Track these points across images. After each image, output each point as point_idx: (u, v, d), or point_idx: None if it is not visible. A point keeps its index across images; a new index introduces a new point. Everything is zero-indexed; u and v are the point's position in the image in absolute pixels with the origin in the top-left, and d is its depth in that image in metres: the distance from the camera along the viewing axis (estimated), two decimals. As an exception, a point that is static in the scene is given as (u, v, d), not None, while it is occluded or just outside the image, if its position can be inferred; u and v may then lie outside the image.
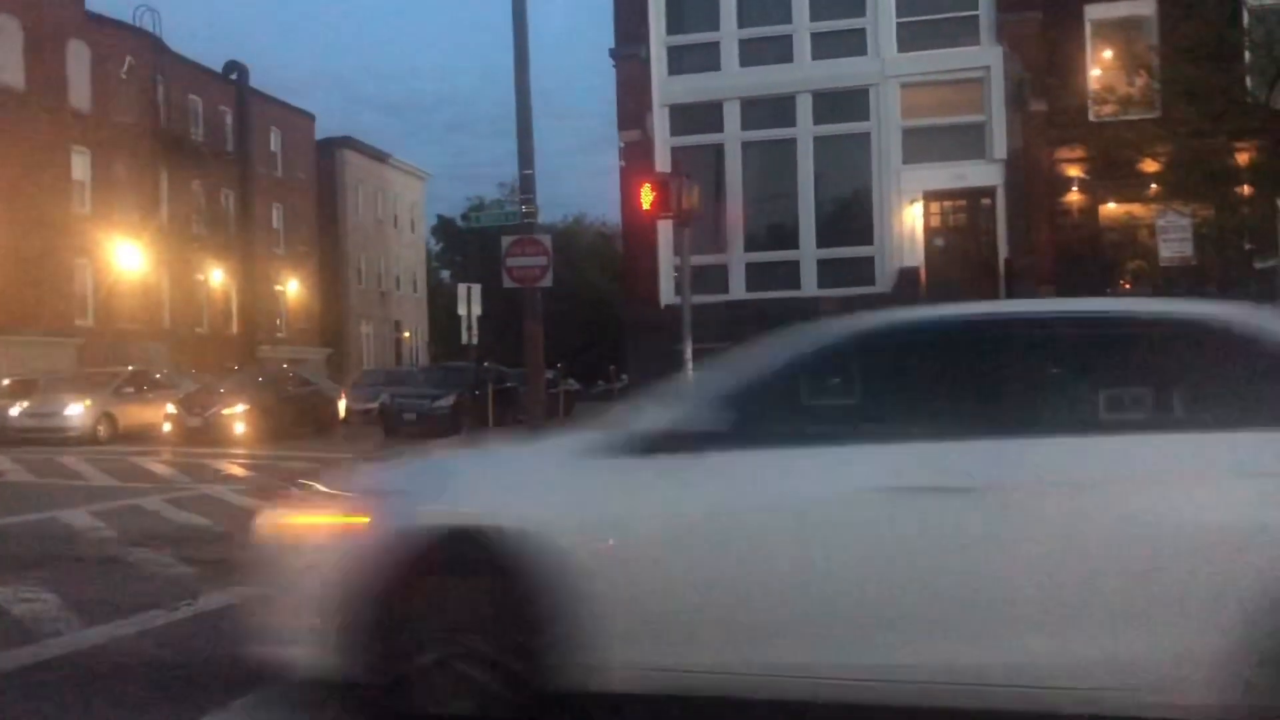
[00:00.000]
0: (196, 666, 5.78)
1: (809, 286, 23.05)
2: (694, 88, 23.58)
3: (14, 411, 24.82)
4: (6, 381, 27.98)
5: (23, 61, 34.00)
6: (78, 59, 36.56)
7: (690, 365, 13.95)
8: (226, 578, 8.13)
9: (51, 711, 4.99)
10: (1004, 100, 22.17)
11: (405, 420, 25.91)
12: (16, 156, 32.74)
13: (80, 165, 36.66)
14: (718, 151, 23.53)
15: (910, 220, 22.90)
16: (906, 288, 21.95)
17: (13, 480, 16.48)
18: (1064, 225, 22.83)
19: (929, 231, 23.25)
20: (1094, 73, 22.47)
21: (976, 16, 22.56)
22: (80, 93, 36.66)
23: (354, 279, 55.52)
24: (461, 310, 25.18)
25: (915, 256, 22.79)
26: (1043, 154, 22.52)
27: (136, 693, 5.29)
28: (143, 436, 25.26)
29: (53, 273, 34.49)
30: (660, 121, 23.64)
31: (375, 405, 28.30)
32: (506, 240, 14.82)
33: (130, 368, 29.33)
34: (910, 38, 22.79)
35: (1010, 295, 21.88)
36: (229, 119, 45.68)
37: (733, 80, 23.43)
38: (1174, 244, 19.61)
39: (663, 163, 22.69)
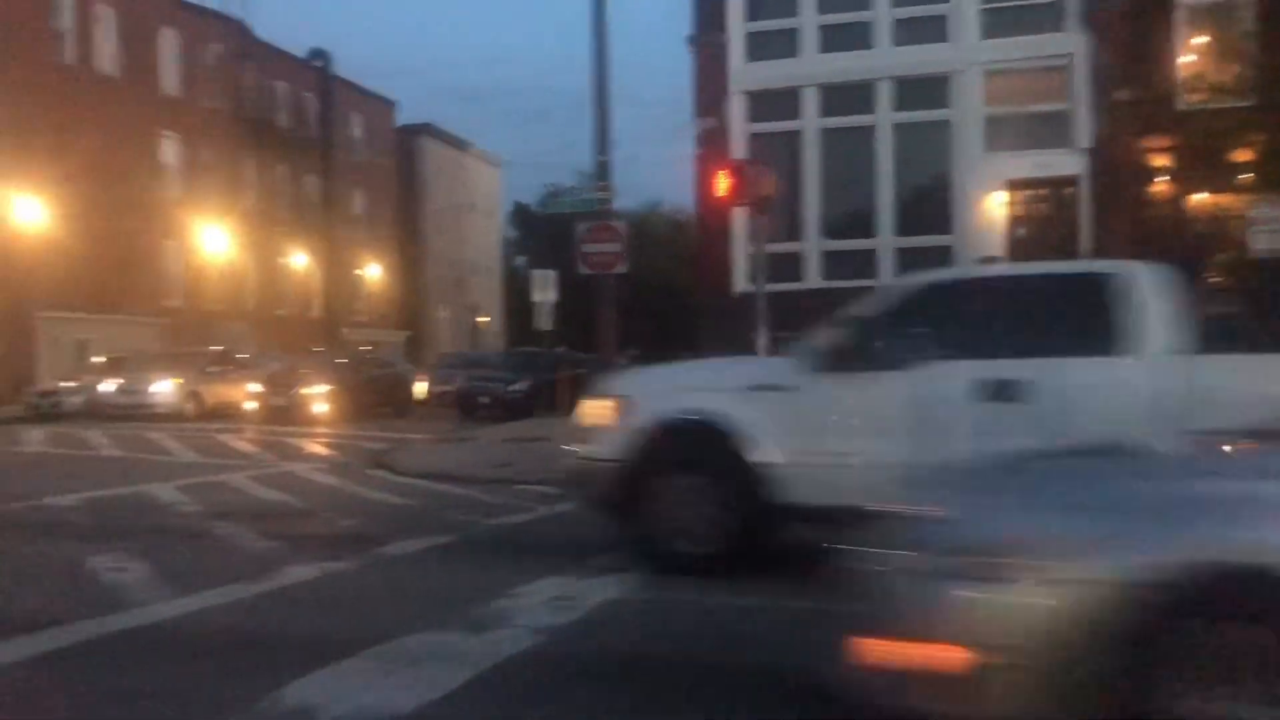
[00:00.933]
0: (278, 638, 5.96)
1: (886, 275, 22.81)
2: (772, 74, 23.43)
3: (106, 388, 25.61)
4: (99, 359, 28.89)
5: (118, 49, 34.98)
6: (168, 46, 37.52)
7: (763, 354, 13.90)
8: (308, 553, 8.37)
9: (139, 678, 5.18)
10: (1089, 88, 21.69)
11: (481, 403, 26.24)
12: (110, 141, 33.71)
13: (169, 150, 37.64)
14: (795, 138, 23.36)
15: (991, 209, 22.54)
16: (985, 278, 21.57)
17: (104, 455, 17.03)
18: (1149, 216, 22.25)
19: (1010, 221, 22.86)
20: (1184, 59, 21.84)
21: (1062, 2, 22.07)
22: (170, 79, 37.62)
23: (432, 264, 56.25)
24: (537, 296, 25.37)
25: (996, 246, 22.40)
26: (1128, 143, 21.98)
27: (220, 662, 5.47)
28: (227, 414, 25.92)
29: (143, 254, 35.49)
30: (737, 108, 23.53)
31: (452, 388, 28.65)
32: (582, 227, 14.89)
33: (216, 347, 30.08)
34: (993, 24, 22.38)
35: (1093, 287, 21.41)
36: (312, 105, 46.51)
37: (811, 67, 23.23)
38: (1267, 236, 19.04)
39: (739, 150, 22.59)
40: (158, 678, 5.17)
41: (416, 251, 54.81)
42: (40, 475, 14.10)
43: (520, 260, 75.88)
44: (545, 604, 6.61)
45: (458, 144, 59.26)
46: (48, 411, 25.33)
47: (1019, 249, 22.84)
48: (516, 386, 26.14)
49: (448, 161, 58.06)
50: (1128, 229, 21.99)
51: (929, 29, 22.75)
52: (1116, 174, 21.95)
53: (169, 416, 24.56)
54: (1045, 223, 23.19)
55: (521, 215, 76.04)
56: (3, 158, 29.62)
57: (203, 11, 39.31)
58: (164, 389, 25.20)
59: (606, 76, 14.84)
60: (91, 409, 25.29)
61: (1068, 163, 22.17)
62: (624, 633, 6.14)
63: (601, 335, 14.83)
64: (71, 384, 26.54)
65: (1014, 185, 22.79)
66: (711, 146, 23.44)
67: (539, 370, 26.50)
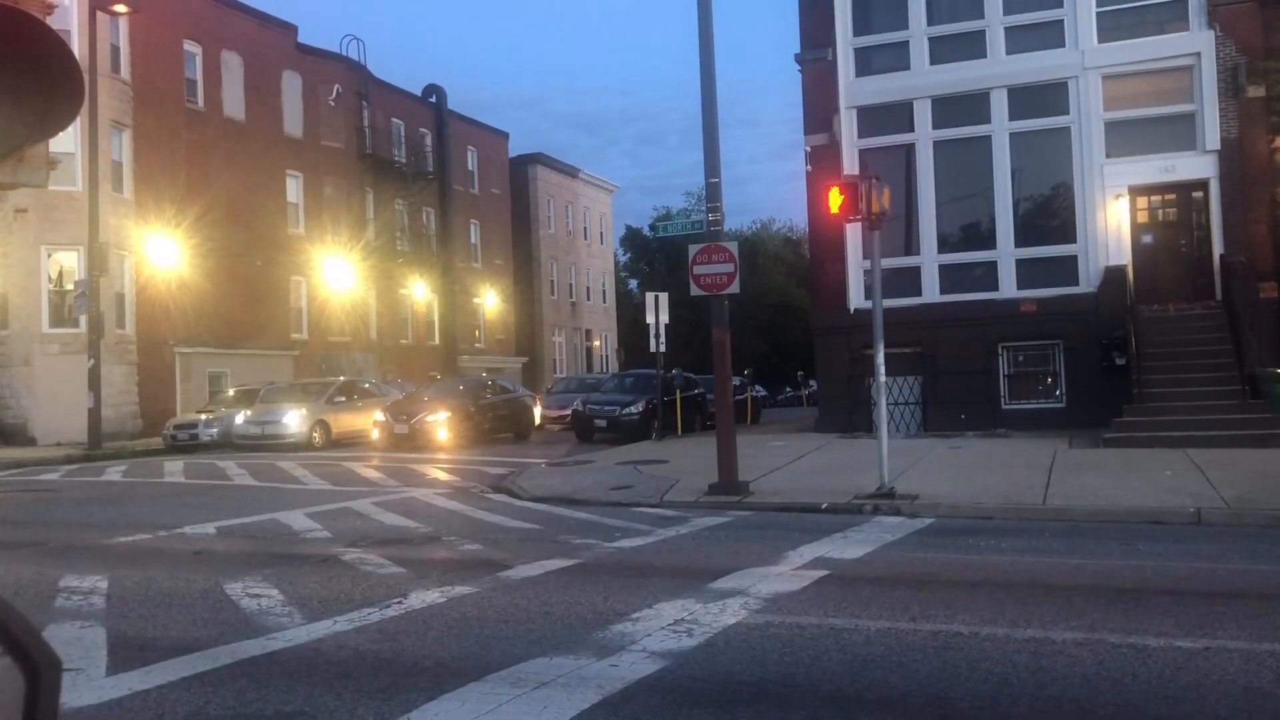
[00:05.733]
0: (407, 662, 6.07)
1: (1007, 288, 22.31)
2: (882, 88, 23.20)
3: (238, 420, 26.53)
4: (232, 392, 29.99)
5: (243, 94, 36.44)
6: (290, 88, 38.90)
7: (882, 369, 13.70)
8: (433, 577, 8.51)
9: (274, 701, 5.33)
10: (1216, 87, 20.91)
11: (597, 426, 26.43)
12: (239, 182, 35.09)
13: (293, 188, 38.96)
14: (908, 152, 23.07)
15: (1115, 217, 21.87)
16: (1113, 287, 20.97)
17: (238, 484, 17.63)
18: (1288, 217, 21.32)
19: (1136, 228, 22.14)
20: (1320, 52, 20.89)
21: (1185, 1, 21.37)
22: (293, 120, 38.97)
23: (546, 290, 57.01)
24: (649, 318, 25.52)
25: (1121, 254, 21.75)
26: (1261, 142, 21.12)
27: (352, 685, 5.60)
28: (353, 442, 26.61)
29: (271, 289, 36.77)
30: (848, 124, 23.34)
31: (568, 412, 28.95)
32: (693, 248, 14.90)
33: (342, 378, 30.96)
34: (1112, 27, 21.79)
35: (1227, 294, 20.61)
36: (429, 140, 47.69)
37: (923, 79, 22.94)
38: None
39: (850, 165, 22.40)
40: (292, 701, 5.31)
41: (531, 278, 55.66)
42: (180, 505, 14.64)
43: (633, 283, 76.55)
44: (667, 628, 6.60)
45: (570, 171, 60.08)
46: (185, 443, 26.31)
47: (1146, 256, 22.10)
48: (631, 409, 26.26)
49: (560, 188, 58.89)
50: (1265, 231, 21.09)
51: (1044, 35, 22.27)
52: (1249, 175, 21.11)
53: (298, 445, 25.31)
54: (1173, 228, 22.40)
55: (633, 239, 76.68)
56: (140, 201, 31.08)
57: (323, 55, 40.65)
58: (292, 419, 25.98)
59: (714, 100, 14.85)
60: (225, 440, 26.22)
61: (1196, 165, 21.41)
62: (747, 658, 6.09)
63: (715, 356, 14.77)
64: (206, 416, 27.54)
65: (1139, 191, 22.11)
66: (823, 163, 23.29)
67: (653, 392, 26.59)
